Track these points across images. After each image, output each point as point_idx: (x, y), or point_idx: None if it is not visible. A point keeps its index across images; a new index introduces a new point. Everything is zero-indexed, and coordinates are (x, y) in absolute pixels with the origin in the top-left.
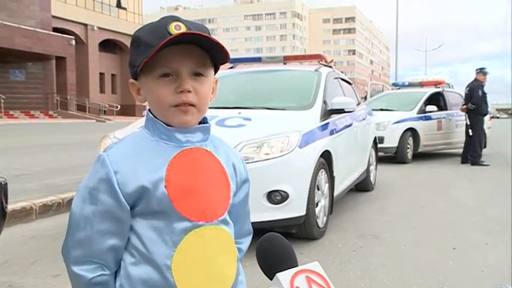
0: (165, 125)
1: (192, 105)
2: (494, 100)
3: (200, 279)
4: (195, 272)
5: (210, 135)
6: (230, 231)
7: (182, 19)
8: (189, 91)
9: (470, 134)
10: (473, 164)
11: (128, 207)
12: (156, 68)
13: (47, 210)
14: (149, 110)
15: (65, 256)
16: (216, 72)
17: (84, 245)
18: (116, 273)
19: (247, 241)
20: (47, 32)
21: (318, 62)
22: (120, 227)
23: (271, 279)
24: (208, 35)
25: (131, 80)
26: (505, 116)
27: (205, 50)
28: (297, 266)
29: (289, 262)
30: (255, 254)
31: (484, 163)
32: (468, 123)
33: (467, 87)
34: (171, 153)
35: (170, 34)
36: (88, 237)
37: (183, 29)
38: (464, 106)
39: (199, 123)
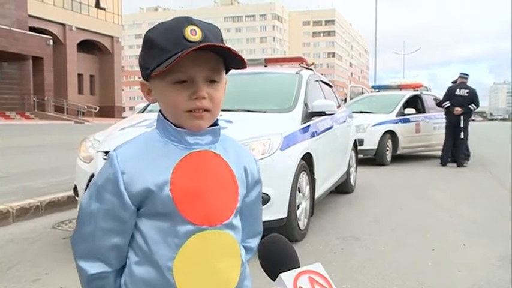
0: (175, 127)
1: (207, 110)
2: None
3: (201, 282)
4: (196, 275)
5: (221, 137)
6: (235, 236)
7: (196, 21)
8: (204, 97)
9: (462, 136)
10: (459, 165)
11: (133, 208)
12: (171, 73)
13: (24, 213)
14: (160, 111)
15: (72, 247)
16: (226, 73)
17: (88, 240)
18: (121, 270)
19: (257, 240)
20: (23, 31)
21: (299, 64)
22: (122, 226)
23: (273, 280)
24: (229, 48)
25: (142, 81)
26: (480, 119)
27: (219, 55)
28: (299, 267)
29: (292, 263)
30: (257, 255)
31: (464, 164)
32: (462, 125)
33: (465, 89)
34: (178, 156)
35: (186, 40)
36: (92, 233)
37: (199, 35)
38: (460, 108)
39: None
